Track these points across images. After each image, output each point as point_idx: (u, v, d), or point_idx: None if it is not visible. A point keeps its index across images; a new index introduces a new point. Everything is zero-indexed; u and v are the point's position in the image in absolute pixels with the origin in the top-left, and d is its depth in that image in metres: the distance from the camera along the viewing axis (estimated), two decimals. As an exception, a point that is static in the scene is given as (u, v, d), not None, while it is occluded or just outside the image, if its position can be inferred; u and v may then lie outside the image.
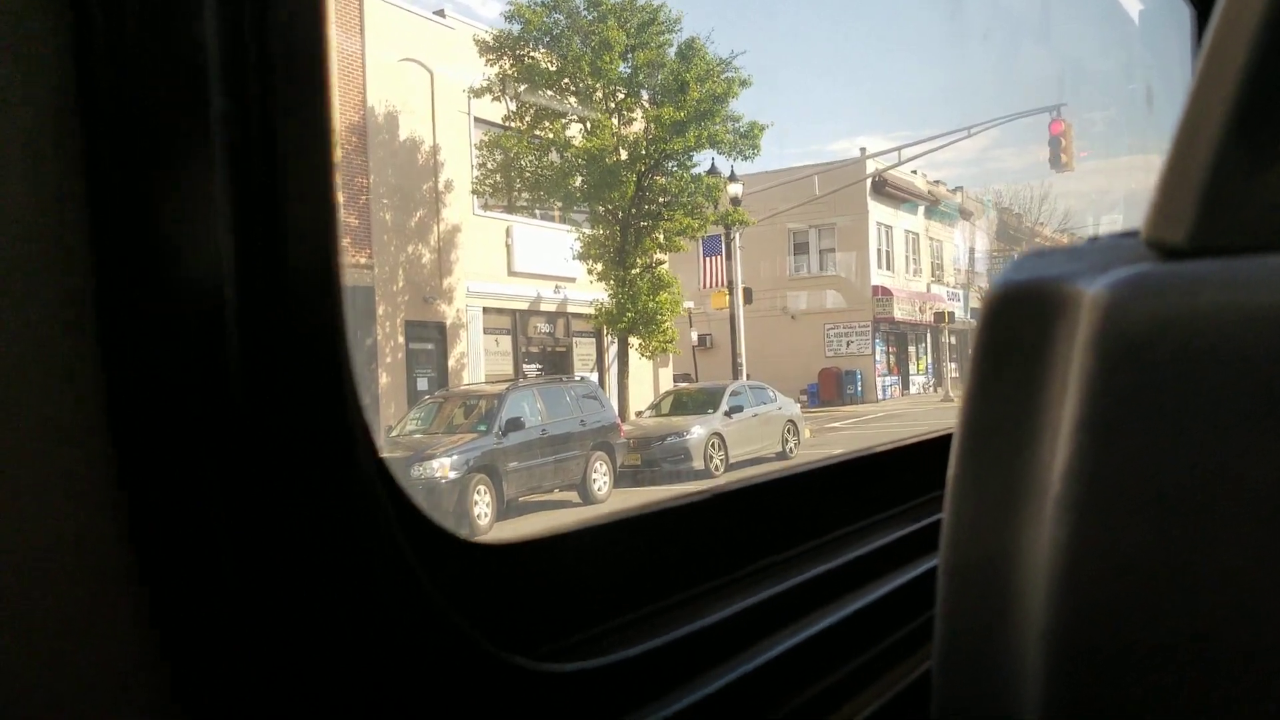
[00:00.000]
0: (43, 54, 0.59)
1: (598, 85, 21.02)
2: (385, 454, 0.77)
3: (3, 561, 0.57)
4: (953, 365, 38.85)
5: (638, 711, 0.94)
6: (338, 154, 0.67)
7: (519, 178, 21.62)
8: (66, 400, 0.60)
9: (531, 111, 21.05)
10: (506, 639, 0.86)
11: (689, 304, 25.32)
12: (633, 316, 20.94)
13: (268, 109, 0.64)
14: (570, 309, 23.19)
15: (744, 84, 21.60)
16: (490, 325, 22.01)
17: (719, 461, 17.36)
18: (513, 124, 21.04)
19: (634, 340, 21.52)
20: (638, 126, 21.53)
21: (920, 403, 33.56)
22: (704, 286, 29.17)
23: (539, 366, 22.76)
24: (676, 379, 25.58)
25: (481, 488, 13.85)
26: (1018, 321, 0.80)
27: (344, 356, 0.70)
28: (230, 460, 0.64)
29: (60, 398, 0.60)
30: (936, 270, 40.38)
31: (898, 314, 36.39)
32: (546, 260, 22.27)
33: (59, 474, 0.60)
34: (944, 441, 1.02)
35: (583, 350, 24.13)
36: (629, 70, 21.27)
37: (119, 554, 0.62)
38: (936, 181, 39.73)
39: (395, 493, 0.80)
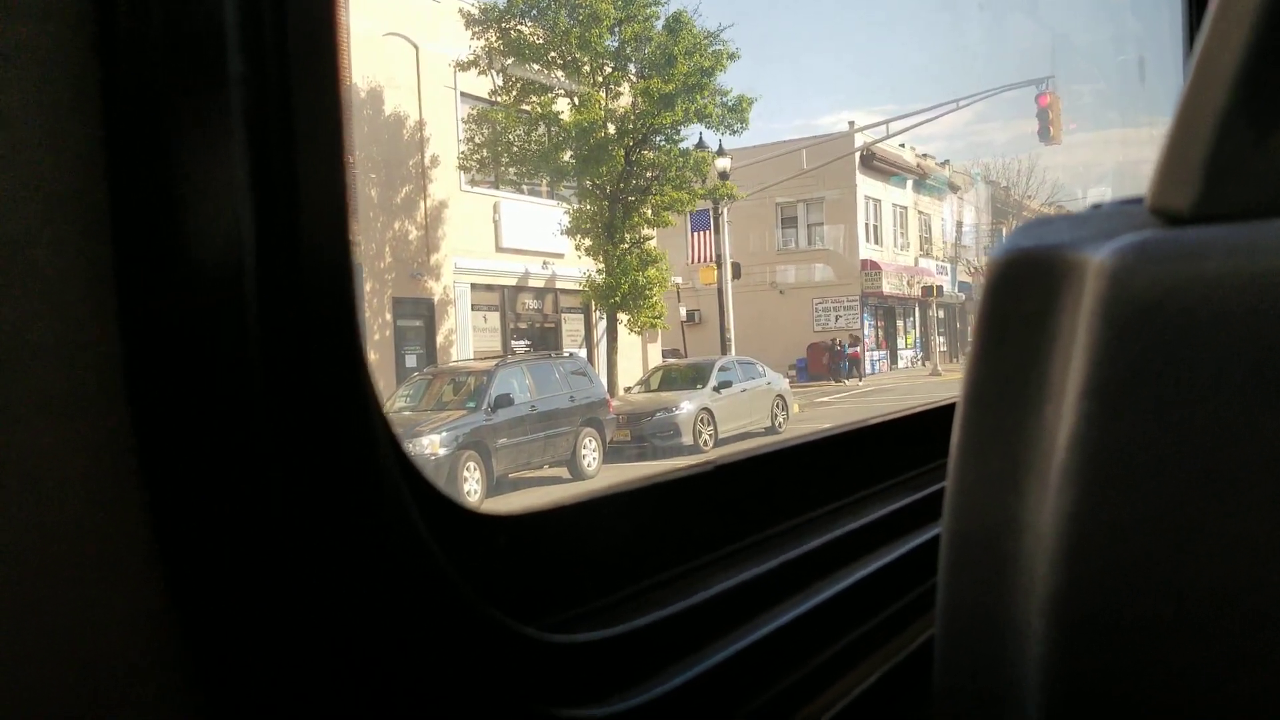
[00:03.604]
0: (64, 23, 0.59)
1: (585, 59, 20.86)
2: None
3: (19, 542, 0.57)
4: (941, 339, 38.97)
5: (645, 682, 0.95)
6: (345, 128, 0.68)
7: (506, 152, 21.47)
8: (88, 376, 0.60)
9: (518, 85, 20.89)
10: (516, 610, 0.86)
11: (677, 279, 25.28)
12: (622, 292, 20.89)
13: (283, 81, 0.64)
14: (559, 285, 23.13)
15: (732, 57, 21.50)
16: (478, 302, 21.94)
17: (707, 437, 17.40)
18: (499, 98, 20.89)
19: (623, 316, 21.48)
20: (625, 101, 21.40)
21: (909, 377, 33.65)
22: (692, 261, 29.08)
23: (527, 343, 22.72)
24: (665, 354, 25.58)
25: (471, 464, 13.86)
26: (1022, 289, 0.80)
27: (358, 330, 0.70)
28: (248, 434, 0.64)
29: (81, 372, 0.60)
30: (925, 244, 40.39)
31: (886, 288, 36.42)
32: (534, 236, 22.17)
33: (78, 449, 0.60)
34: (945, 411, 1.02)
35: (571, 326, 24.09)
36: (616, 44, 21.11)
37: (135, 530, 0.62)
38: (925, 155, 39.65)
39: (407, 466, 0.80)
